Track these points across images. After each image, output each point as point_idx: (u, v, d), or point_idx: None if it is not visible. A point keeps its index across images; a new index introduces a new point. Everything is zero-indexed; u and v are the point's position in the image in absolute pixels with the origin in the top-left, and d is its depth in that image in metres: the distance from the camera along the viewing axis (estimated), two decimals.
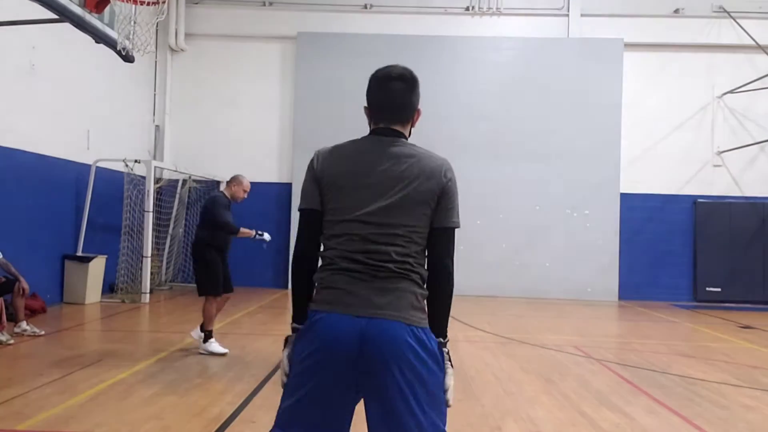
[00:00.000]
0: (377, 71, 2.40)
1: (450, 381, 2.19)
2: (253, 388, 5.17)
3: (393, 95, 2.38)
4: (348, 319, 2.03)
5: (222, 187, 6.94)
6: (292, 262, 2.24)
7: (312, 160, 2.27)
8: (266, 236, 7.10)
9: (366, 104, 2.41)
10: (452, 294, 2.31)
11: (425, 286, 2.23)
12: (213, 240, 6.49)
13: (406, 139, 2.41)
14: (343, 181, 2.17)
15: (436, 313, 2.22)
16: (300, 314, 2.18)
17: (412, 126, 2.50)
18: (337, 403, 2.09)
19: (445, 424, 2.13)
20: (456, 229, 2.35)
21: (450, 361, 2.21)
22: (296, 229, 2.27)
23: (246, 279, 13.33)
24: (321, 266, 2.18)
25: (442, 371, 2.17)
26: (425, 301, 2.20)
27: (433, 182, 2.23)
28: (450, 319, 2.32)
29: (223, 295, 6.76)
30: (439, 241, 2.31)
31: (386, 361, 1.99)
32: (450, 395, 2.18)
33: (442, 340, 2.19)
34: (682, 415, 4.81)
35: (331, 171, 2.20)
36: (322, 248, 2.21)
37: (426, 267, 2.27)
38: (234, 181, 6.72)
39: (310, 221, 2.21)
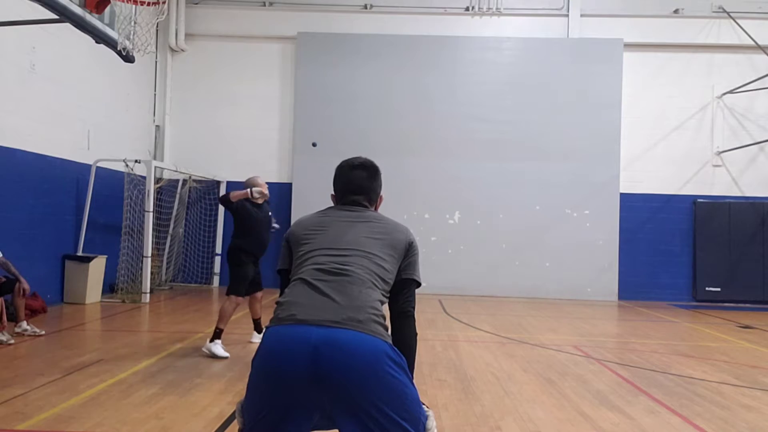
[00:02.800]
0: (341, 162, 2.61)
1: None
2: None
3: (356, 181, 2.56)
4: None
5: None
6: None
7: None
8: (275, 225, 7.32)
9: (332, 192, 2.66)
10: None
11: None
12: (246, 245, 6.68)
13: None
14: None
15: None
16: None
17: (376, 210, 2.64)
18: None
19: None
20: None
21: None
22: None
23: None
24: None
25: None
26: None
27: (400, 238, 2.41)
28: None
29: (253, 295, 7.00)
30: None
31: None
32: None
33: None
34: (681, 415, 4.82)
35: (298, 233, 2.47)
36: None
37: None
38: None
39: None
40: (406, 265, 2.41)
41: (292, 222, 2.47)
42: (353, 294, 2.16)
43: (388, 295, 2.35)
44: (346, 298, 2.14)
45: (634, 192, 13.30)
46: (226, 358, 6.37)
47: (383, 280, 2.30)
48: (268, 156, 13.70)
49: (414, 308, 2.45)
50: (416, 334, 2.43)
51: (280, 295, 2.34)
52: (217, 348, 6.43)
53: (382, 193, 2.66)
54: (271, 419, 2.05)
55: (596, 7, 13.53)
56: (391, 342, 2.16)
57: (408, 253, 2.42)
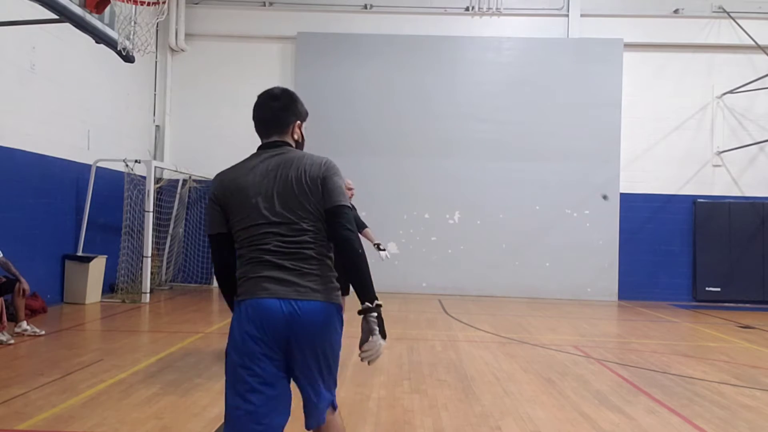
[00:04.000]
0: (258, 95, 2.85)
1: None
2: None
3: (269, 112, 2.78)
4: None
5: None
6: None
7: None
8: (383, 253, 6.20)
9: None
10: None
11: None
12: None
13: (290, 146, 2.73)
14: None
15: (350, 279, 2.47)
16: None
17: (295, 135, 2.83)
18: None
19: None
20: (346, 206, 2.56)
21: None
22: None
23: None
24: None
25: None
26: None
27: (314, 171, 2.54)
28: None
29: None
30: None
31: None
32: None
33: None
34: (681, 415, 4.82)
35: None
36: None
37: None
38: None
39: None
40: (326, 197, 2.51)
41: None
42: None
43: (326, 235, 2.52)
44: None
45: (634, 192, 13.30)
46: None
47: (316, 226, 2.50)
48: None
49: (349, 229, 2.48)
50: (360, 252, 2.45)
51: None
52: None
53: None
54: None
55: (596, 7, 13.53)
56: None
57: (323, 184, 2.51)
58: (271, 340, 2.38)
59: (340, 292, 2.54)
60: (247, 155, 2.79)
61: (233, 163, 2.79)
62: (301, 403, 2.52)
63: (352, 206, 6.13)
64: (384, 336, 2.40)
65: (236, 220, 2.52)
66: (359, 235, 5.04)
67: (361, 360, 2.40)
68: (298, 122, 2.84)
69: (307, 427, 2.58)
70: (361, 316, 2.40)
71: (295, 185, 2.49)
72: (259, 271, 2.43)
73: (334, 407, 2.64)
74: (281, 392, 2.43)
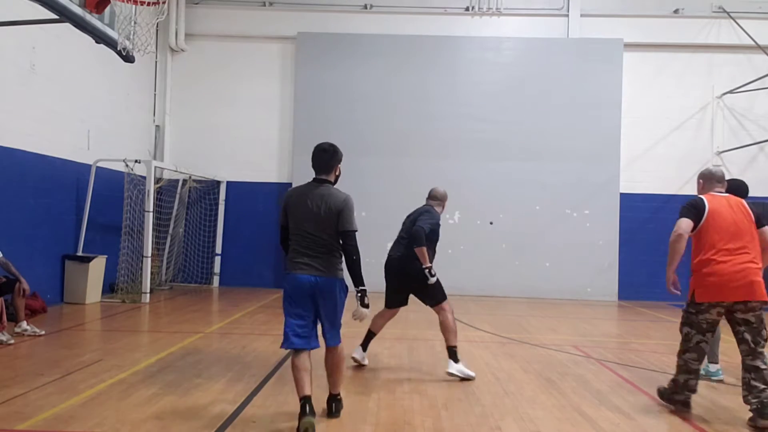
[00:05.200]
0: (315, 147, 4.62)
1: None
2: (253, 388, 5.18)
3: (320, 161, 4.57)
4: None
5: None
6: None
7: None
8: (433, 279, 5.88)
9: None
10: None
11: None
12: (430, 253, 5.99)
13: (331, 184, 4.51)
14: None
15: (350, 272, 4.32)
16: None
17: (337, 172, 4.64)
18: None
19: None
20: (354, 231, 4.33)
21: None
22: None
23: (246, 279, 13.38)
24: None
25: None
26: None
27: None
28: None
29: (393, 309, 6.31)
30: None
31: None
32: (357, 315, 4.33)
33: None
34: (682, 415, 4.81)
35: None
36: None
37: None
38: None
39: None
40: (339, 223, 4.28)
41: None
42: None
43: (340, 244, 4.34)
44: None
45: (633, 192, 13.30)
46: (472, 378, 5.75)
47: (335, 238, 4.32)
48: (268, 156, 13.70)
49: (350, 244, 4.28)
50: (355, 258, 4.28)
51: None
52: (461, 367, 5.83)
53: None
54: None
55: (596, 7, 13.53)
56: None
57: (339, 215, 4.27)
58: (300, 296, 4.24)
59: (342, 272, 4.33)
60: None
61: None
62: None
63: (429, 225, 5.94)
64: (366, 306, 4.28)
65: (291, 224, 4.38)
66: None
67: (353, 318, 4.30)
68: (338, 165, 4.60)
69: (327, 344, 4.42)
70: (358, 295, 4.27)
71: (324, 213, 4.26)
72: (298, 258, 4.28)
73: (339, 341, 4.44)
74: (309, 323, 4.28)
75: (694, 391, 4.84)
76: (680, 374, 4.85)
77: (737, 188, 5.86)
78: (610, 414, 4.77)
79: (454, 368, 5.74)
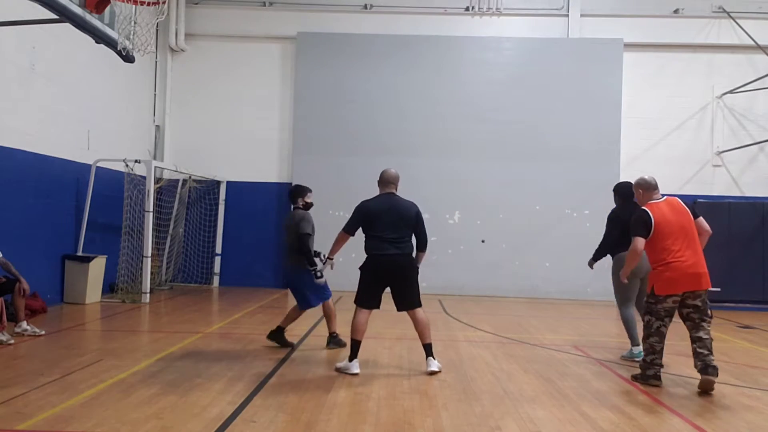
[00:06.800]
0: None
1: None
2: (253, 388, 5.18)
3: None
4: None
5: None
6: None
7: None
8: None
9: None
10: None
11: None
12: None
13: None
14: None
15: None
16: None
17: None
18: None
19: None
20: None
21: None
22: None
23: (246, 279, 13.39)
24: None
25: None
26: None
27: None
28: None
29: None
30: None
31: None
32: None
33: None
34: (681, 415, 4.81)
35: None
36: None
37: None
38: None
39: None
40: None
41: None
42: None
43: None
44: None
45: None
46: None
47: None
48: (268, 156, 13.69)
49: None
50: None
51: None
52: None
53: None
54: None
55: (596, 7, 13.53)
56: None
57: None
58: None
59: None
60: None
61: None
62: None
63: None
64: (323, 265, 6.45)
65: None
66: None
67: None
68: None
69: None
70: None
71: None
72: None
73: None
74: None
75: (661, 365, 5.69)
76: (648, 355, 5.67)
77: (628, 191, 7.05)
78: (610, 414, 4.77)
79: (435, 364, 5.94)
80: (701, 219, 5.94)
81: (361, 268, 6.00)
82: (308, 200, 7.03)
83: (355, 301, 5.98)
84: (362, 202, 6.07)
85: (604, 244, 7.39)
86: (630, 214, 6.62)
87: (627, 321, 6.92)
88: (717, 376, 5.36)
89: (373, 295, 5.91)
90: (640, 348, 6.46)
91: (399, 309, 6.00)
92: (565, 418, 4.64)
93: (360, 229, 5.99)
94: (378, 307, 5.98)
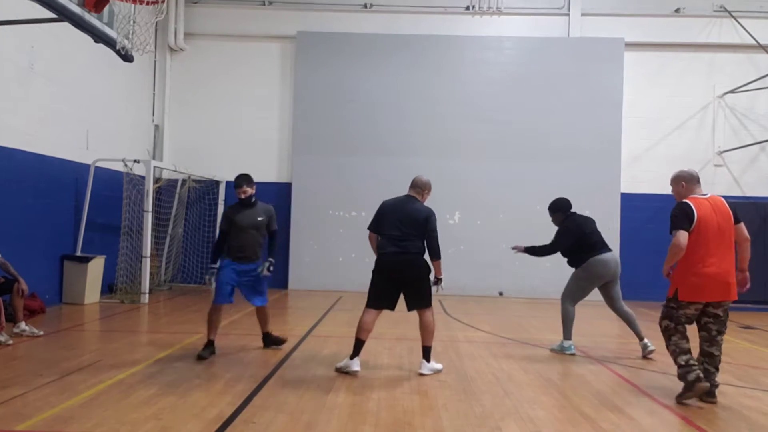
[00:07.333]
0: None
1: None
2: (252, 389, 5.16)
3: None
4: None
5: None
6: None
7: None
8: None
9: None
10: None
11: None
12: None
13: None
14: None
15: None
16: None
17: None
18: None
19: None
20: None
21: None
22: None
23: None
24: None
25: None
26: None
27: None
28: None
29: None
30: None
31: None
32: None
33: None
34: (682, 415, 4.80)
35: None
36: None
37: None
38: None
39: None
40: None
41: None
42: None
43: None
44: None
45: (634, 192, 13.27)
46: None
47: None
48: (267, 156, 13.67)
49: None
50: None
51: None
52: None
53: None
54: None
55: (597, 7, 13.52)
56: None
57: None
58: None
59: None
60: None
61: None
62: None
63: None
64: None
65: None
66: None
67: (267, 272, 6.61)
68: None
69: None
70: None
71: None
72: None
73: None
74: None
75: (698, 364, 5.06)
76: (678, 357, 5.08)
77: (566, 204, 7.74)
78: (611, 414, 4.76)
79: (427, 368, 5.91)
80: (742, 225, 5.43)
81: (373, 269, 6.02)
82: (239, 195, 6.59)
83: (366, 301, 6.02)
84: (382, 201, 6.19)
85: (550, 251, 7.66)
86: (577, 225, 7.15)
87: (566, 316, 7.30)
88: (714, 390, 5.10)
89: (379, 294, 5.88)
90: (571, 342, 7.16)
91: (408, 308, 5.97)
92: (566, 419, 4.62)
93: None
94: (388, 308, 5.90)
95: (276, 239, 6.77)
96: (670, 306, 5.17)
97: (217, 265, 6.53)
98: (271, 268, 6.68)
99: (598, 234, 7.52)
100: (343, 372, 5.79)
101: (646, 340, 7.15)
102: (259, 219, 6.58)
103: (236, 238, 6.48)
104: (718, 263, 5.08)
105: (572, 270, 7.59)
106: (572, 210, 7.67)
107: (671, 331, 5.14)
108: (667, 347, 5.18)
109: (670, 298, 5.18)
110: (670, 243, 5.05)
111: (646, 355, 7.06)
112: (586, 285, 7.25)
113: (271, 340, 6.91)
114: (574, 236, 7.32)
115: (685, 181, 5.34)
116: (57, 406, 4.50)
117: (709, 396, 5.06)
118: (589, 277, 7.19)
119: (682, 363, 5.01)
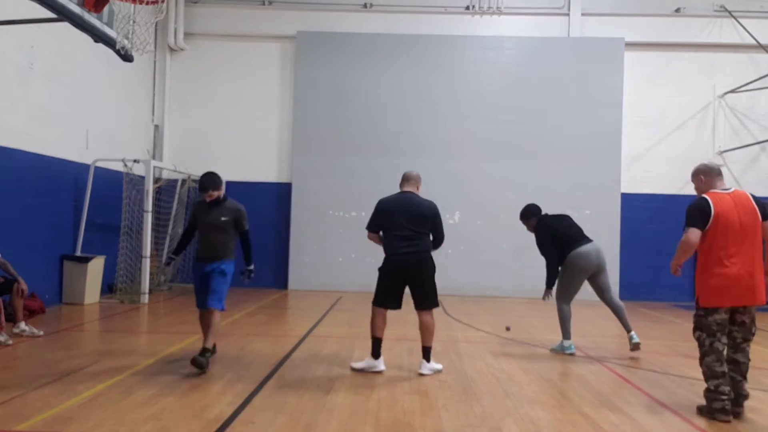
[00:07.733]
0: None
1: None
2: (252, 389, 5.15)
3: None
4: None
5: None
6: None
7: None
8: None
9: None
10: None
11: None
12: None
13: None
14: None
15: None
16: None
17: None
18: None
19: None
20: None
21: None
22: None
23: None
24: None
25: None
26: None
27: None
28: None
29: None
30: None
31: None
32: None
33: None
34: (682, 415, 4.79)
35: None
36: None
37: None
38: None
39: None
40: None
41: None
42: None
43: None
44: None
45: (635, 192, 13.26)
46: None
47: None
48: (267, 156, 13.67)
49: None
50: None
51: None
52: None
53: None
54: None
55: (597, 6, 13.51)
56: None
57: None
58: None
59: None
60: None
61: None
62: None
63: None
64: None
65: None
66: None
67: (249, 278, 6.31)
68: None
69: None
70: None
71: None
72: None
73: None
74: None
75: (728, 395, 4.64)
76: (709, 380, 4.72)
77: (536, 209, 7.95)
78: (611, 414, 4.75)
79: (427, 368, 5.90)
80: None
81: (379, 268, 6.00)
82: (205, 199, 6.19)
83: (372, 301, 6.00)
84: (379, 200, 6.08)
85: (551, 266, 7.38)
86: (548, 227, 7.19)
87: (563, 316, 7.23)
88: (742, 400, 4.77)
89: (387, 294, 5.90)
90: (571, 342, 7.15)
91: (416, 308, 5.95)
92: (566, 419, 4.61)
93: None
94: (396, 307, 5.92)
95: (249, 240, 6.27)
96: (698, 314, 4.79)
97: (178, 257, 6.68)
98: (252, 275, 6.32)
99: (576, 227, 7.48)
100: (366, 371, 5.85)
101: (632, 333, 7.17)
102: (223, 219, 6.08)
103: (200, 237, 6.18)
104: (741, 263, 4.61)
105: None
106: (542, 213, 7.80)
107: (706, 348, 4.72)
108: (700, 365, 4.81)
109: (696, 306, 4.82)
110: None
111: (632, 348, 7.05)
112: (573, 280, 7.20)
113: (199, 359, 5.55)
114: (550, 239, 7.34)
115: (704, 175, 4.96)
116: (56, 407, 4.50)
117: (734, 413, 4.71)
118: (573, 272, 7.15)
119: (711, 388, 4.68)
